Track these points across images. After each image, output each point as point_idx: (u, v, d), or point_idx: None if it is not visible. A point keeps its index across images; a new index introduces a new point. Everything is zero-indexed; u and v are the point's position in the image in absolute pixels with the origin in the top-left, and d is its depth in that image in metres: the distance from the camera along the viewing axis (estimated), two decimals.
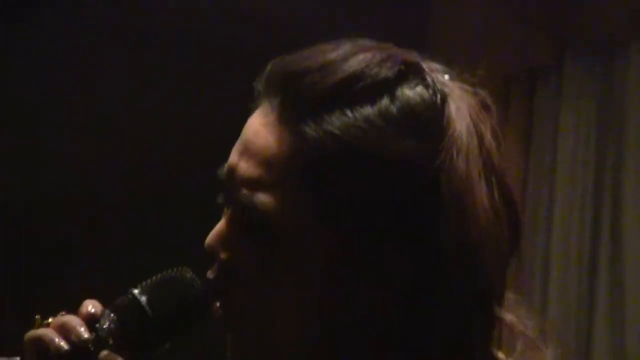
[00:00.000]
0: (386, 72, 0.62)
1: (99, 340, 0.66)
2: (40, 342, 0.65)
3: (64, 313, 0.68)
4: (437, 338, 0.60)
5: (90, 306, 0.67)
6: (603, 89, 2.66)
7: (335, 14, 2.54)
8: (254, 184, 0.62)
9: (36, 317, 0.69)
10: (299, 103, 0.62)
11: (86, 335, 0.65)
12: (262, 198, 0.61)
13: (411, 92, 0.62)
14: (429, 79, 0.63)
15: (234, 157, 0.65)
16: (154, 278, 0.69)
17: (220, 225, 0.65)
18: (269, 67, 0.66)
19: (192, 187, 2.37)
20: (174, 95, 3.16)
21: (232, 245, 0.64)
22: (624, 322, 2.57)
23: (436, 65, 0.66)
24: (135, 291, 0.68)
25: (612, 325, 2.61)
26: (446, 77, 0.65)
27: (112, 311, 0.67)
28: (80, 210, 3.11)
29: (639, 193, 2.62)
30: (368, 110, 0.61)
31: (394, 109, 0.61)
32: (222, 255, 0.64)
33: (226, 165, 0.65)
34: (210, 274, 0.65)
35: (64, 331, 0.65)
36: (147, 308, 0.67)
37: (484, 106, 0.65)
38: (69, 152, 3.10)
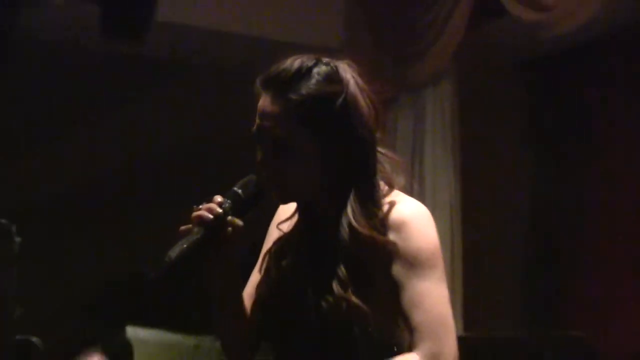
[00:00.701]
0: (310, 63, 1.36)
1: (225, 212, 1.34)
2: (198, 216, 1.32)
3: (205, 203, 1.36)
4: (358, 168, 1.38)
5: (218, 197, 1.36)
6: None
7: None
8: (273, 127, 1.36)
9: (194, 206, 1.34)
10: (281, 88, 1.35)
11: (219, 210, 1.33)
12: (278, 131, 1.35)
13: (323, 67, 1.37)
14: (326, 61, 1.38)
15: (259, 120, 1.37)
16: (242, 180, 1.40)
17: (260, 153, 1.38)
18: (262, 75, 1.37)
19: None
20: None
21: (269, 158, 1.38)
22: None
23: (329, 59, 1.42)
24: (235, 188, 1.38)
25: None
26: (341, 65, 1.41)
27: (227, 198, 1.36)
28: None
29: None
30: (309, 80, 1.36)
31: (319, 76, 1.36)
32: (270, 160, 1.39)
33: (256, 124, 1.37)
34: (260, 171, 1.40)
35: (208, 210, 1.33)
36: (242, 194, 1.37)
37: (354, 69, 1.41)
38: None
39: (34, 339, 2.83)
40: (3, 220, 2.83)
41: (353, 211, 1.47)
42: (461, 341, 1.57)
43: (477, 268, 4.01)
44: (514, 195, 4.21)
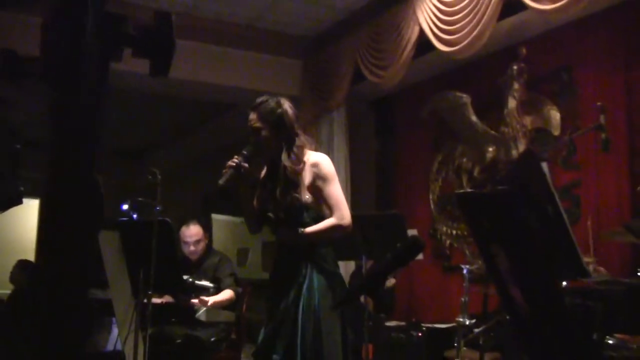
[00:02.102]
0: (267, 98, 3.51)
1: (240, 161, 3.42)
2: (229, 164, 3.41)
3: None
4: (288, 140, 3.47)
5: (237, 156, 3.43)
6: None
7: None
8: (254, 124, 3.50)
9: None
10: (256, 107, 3.48)
11: (237, 160, 3.41)
12: (256, 125, 3.48)
13: (273, 99, 3.51)
14: (276, 98, 3.53)
15: (249, 122, 3.50)
16: (246, 147, 3.49)
17: (252, 136, 3.50)
18: (252, 105, 3.49)
19: None
20: None
21: (255, 137, 3.51)
22: None
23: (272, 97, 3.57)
24: (243, 151, 3.48)
25: None
26: (282, 100, 3.55)
27: (239, 156, 3.44)
28: None
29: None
30: (267, 104, 3.47)
31: (271, 102, 3.49)
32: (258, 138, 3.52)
33: (253, 126, 3.48)
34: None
35: (233, 161, 3.41)
36: (246, 152, 3.47)
37: (289, 101, 3.58)
38: None
39: None
40: None
41: (285, 158, 3.42)
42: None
43: (358, 192, 7.35)
44: (367, 164, 7.58)
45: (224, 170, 3.42)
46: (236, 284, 5.57)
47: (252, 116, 3.49)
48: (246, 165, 3.45)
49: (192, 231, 5.68)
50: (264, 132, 3.48)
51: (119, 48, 1.05)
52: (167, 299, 5.52)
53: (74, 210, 1.03)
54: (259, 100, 3.52)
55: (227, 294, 5.43)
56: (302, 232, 3.39)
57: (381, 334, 5.75)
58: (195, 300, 5.25)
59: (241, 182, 3.48)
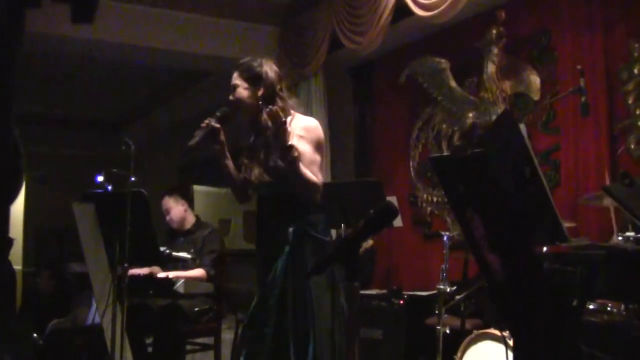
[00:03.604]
0: (250, 58, 3.49)
1: (211, 121, 3.45)
2: (203, 125, 3.43)
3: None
4: (270, 99, 3.43)
5: (208, 119, 3.45)
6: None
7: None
8: (235, 81, 3.46)
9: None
10: (238, 67, 3.47)
11: (208, 120, 3.44)
12: (236, 82, 3.44)
13: (254, 61, 3.46)
14: (260, 59, 3.49)
15: (233, 82, 3.46)
16: (220, 108, 3.49)
17: (231, 94, 3.45)
18: (235, 65, 3.47)
19: None
20: None
21: (233, 95, 3.47)
22: None
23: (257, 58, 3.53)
24: (217, 113, 3.48)
25: None
26: (264, 60, 3.50)
27: (213, 117, 3.46)
28: None
29: None
30: (246, 63, 3.45)
31: (253, 62, 3.46)
32: (234, 95, 3.48)
33: (232, 84, 3.46)
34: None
35: (206, 121, 3.44)
36: (218, 113, 3.48)
37: (269, 61, 3.53)
38: None
39: None
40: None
41: (264, 117, 3.30)
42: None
43: (337, 159, 7.43)
44: (346, 131, 7.54)
45: (195, 132, 3.38)
46: (215, 262, 5.48)
47: (233, 74, 3.46)
48: (218, 126, 3.39)
49: (162, 203, 5.70)
50: (240, 89, 3.43)
51: None
52: (150, 270, 5.45)
53: None
54: (242, 60, 3.50)
55: (197, 273, 5.37)
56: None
57: (358, 303, 5.69)
58: (166, 274, 5.19)
59: (213, 142, 3.42)
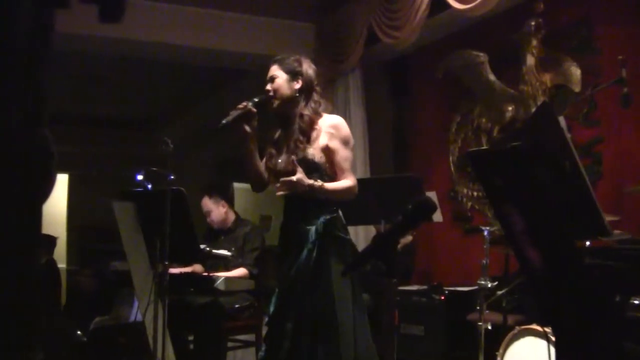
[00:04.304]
0: (289, 55, 3.60)
1: (248, 105, 3.47)
2: (239, 106, 3.48)
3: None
4: (307, 94, 3.55)
5: (245, 102, 3.48)
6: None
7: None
8: (273, 73, 3.55)
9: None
10: (278, 61, 3.56)
11: (245, 103, 3.47)
12: (273, 74, 3.53)
13: (292, 56, 3.57)
14: (297, 56, 3.59)
15: (271, 73, 3.55)
16: (253, 99, 3.52)
17: (271, 83, 3.54)
18: (273, 59, 3.58)
19: None
20: None
21: (271, 85, 3.55)
22: None
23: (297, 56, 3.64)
24: (255, 98, 3.51)
25: None
26: (301, 57, 3.63)
27: (249, 101, 3.48)
28: None
29: None
30: (285, 58, 3.57)
31: (292, 58, 3.56)
32: (272, 86, 3.56)
33: (270, 75, 3.55)
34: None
35: (243, 104, 3.48)
36: (257, 99, 3.52)
37: (309, 59, 3.64)
38: None
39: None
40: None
41: (302, 107, 3.44)
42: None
43: (375, 155, 7.11)
44: (384, 126, 7.53)
45: (231, 112, 3.44)
46: (257, 260, 5.50)
47: (272, 67, 3.55)
48: (254, 110, 3.44)
49: (202, 204, 5.72)
50: (279, 80, 3.50)
51: None
52: (192, 269, 5.54)
53: (11, 174, 0.90)
54: (282, 55, 3.60)
55: (239, 272, 5.40)
56: (321, 185, 3.34)
57: (396, 299, 5.67)
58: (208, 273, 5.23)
59: (245, 124, 3.46)
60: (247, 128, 3.47)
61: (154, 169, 4.73)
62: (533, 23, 5.66)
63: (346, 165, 3.40)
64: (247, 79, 8.24)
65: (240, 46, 7.23)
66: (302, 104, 3.49)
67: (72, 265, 10.06)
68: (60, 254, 9.14)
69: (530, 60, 5.71)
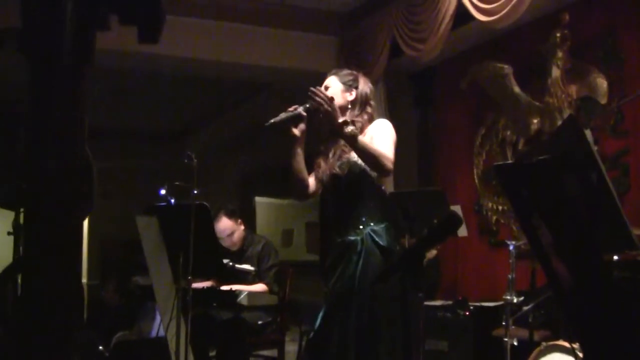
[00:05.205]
0: (346, 69, 3.73)
1: (298, 109, 3.44)
2: (290, 108, 3.45)
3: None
4: (361, 106, 3.65)
5: (295, 106, 3.44)
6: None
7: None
8: (329, 86, 3.58)
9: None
10: (337, 75, 3.64)
11: (296, 106, 3.42)
12: (333, 89, 3.54)
13: (349, 71, 3.69)
14: (354, 72, 3.69)
15: (327, 83, 3.60)
16: (308, 101, 3.42)
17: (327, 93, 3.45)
18: (331, 72, 3.69)
19: None
20: None
21: (330, 91, 3.53)
22: None
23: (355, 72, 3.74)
24: (307, 104, 3.42)
25: None
26: (359, 73, 3.71)
27: (301, 106, 3.44)
28: None
29: None
30: (342, 71, 3.69)
31: (348, 71, 3.69)
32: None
33: (325, 84, 3.58)
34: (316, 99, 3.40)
35: (293, 107, 3.45)
36: (308, 105, 3.41)
37: (366, 78, 3.71)
38: None
39: None
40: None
41: (355, 117, 3.46)
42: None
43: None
44: (408, 138, 7.38)
45: (280, 114, 3.43)
46: (276, 277, 5.53)
47: (328, 78, 3.63)
48: (305, 114, 3.41)
49: (221, 226, 5.66)
50: (333, 89, 3.53)
51: (102, 14, 0.99)
52: (210, 283, 5.55)
53: (57, 194, 0.93)
54: (337, 68, 3.74)
55: (259, 287, 5.42)
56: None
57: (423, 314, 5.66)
58: (230, 287, 5.25)
59: (294, 126, 3.44)
60: (295, 131, 3.44)
61: (177, 183, 4.76)
62: (558, 34, 5.65)
63: (385, 146, 3.37)
64: (271, 91, 8.28)
65: (263, 59, 7.24)
66: (354, 113, 3.51)
67: (93, 280, 10.11)
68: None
69: (556, 71, 5.70)
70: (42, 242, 0.92)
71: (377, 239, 3.32)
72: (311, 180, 3.57)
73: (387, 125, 3.50)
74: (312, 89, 3.37)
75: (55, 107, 0.90)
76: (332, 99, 3.37)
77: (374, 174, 3.42)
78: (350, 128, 3.28)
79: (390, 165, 3.32)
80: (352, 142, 3.29)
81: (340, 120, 3.31)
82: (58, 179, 0.91)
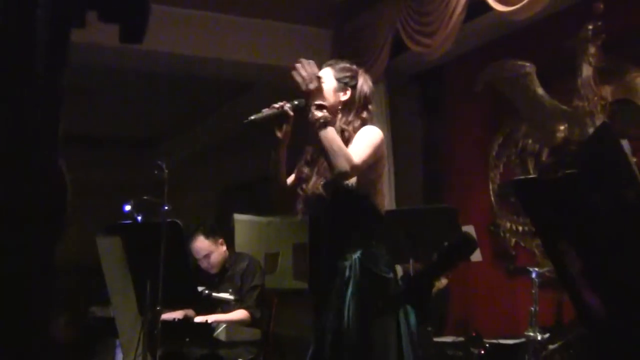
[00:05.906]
0: (346, 61, 3.69)
1: (284, 106, 3.47)
2: (274, 105, 3.48)
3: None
4: (360, 103, 3.61)
5: (281, 102, 3.48)
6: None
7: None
8: (321, 77, 3.48)
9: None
10: (333, 68, 3.58)
11: (282, 103, 3.45)
12: (326, 83, 3.47)
13: (350, 64, 3.63)
14: (354, 66, 3.63)
15: (320, 74, 3.47)
16: (297, 99, 3.47)
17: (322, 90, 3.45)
18: (328, 63, 3.65)
19: None
20: None
21: (320, 82, 3.47)
22: None
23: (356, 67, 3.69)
24: (295, 101, 3.47)
25: None
26: (360, 69, 3.66)
27: (288, 102, 3.47)
28: None
29: None
30: (341, 63, 3.65)
31: (348, 64, 3.63)
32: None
33: (317, 75, 3.44)
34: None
35: (279, 104, 3.48)
36: (296, 102, 3.47)
37: (368, 76, 3.67)
38: None
39: None
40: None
41: (346, 123, 3.42)
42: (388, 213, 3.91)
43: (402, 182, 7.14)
44: (412, 149, 7.52)
45: (263, 109, 3.45)
46: (259, 300, 5.52)
47: (324, 69, 3.56)
48: (291, 113, 3.44)
49: (197, 246, 5.71)
50: (326, 84, 3.49)
51: (80, 11, 1.00)
52: (184, 313, 5.54)
53: (27, 207, 0.93)
54: (338, 60, 3.70)
55: (238, 315, 5.42)
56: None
57: (431, 351, 5.66)
58: (205, 318, 5.24)
59: (277, 127, 3.46)
60: (279, 133, 3.47)
61: (145, 197, 4.75)
62: (591, 27, 5.61)
63: (356, 148, 3.34)
64: (254, 92, 8.28)
65: (246, 55, 7.26)
66: (345, 118, 3.47)
67: None
68: None
69: (587, 70, 5.69)
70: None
71: (367, 264, 3.34)
72: (290, 179, 3.63)
73: (373, 130, 3.46)
74: (299, 60, 3.39)
75: (27, 111, 0.90)
76: (319, 78, 3.39)
77: (364, 191, 3.41)
78: (320, 114, 3.32)
79: (346, 167, 3.25)
80: (318, 128, 3.31)
81: (317, 102, 3.34)
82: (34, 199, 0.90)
